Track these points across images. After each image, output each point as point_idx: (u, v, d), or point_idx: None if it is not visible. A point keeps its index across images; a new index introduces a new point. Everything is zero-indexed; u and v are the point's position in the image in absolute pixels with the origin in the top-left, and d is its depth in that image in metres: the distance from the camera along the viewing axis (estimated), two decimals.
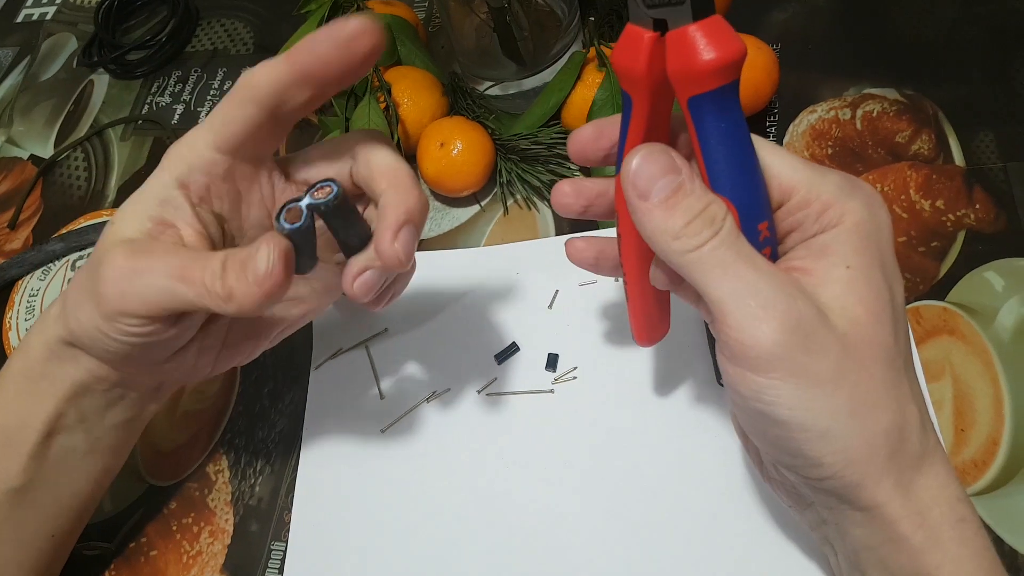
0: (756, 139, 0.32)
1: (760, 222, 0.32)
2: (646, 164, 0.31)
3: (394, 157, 0.37)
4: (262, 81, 0.34)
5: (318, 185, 0.34)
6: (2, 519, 0.42)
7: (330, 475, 0.51)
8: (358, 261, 0.36)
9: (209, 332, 0.41)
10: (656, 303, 0.42)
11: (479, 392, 0.51)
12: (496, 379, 0.51)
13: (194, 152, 0.36)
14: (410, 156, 0.61)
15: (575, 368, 0.51)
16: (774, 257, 0.33)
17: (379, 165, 0.36)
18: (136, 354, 0.37)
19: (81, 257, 0.66)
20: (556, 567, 0.45)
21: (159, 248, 0.35)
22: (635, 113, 0.33)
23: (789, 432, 0.31)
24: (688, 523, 0.44)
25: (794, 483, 0.35)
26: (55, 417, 0.41)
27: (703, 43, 0.29)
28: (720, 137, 0.31)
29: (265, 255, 0.32)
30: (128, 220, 0.36)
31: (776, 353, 0.29)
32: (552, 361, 0.51)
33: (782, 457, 0.33)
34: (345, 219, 0.35)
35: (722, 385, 0.48)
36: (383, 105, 0.58)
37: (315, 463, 0.51)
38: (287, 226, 0.33)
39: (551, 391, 0.50)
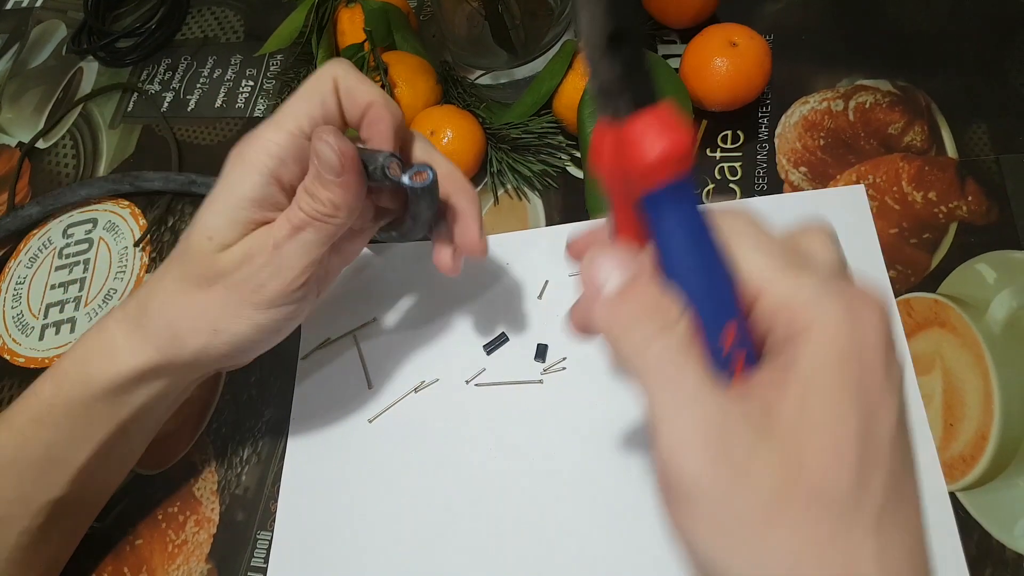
0: (729, 228, 0.29)
1: (723, 326, 0.28)
2: (599, 258, 0.29)
3: (431, 148, 0.44)
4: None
5: (416, 169, 0.40)
6: (37, 527, 0.44)
7: (317, 465, 0.50)
8: (448, 250, 0.44)
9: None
10: None
11: (468, 382, 0.51)
12: (485, 370, 0.51)
13: (278, 146, 0.39)
14: None
15: (564, 359, 0.50)
16: (750, 361, 0.29)
17: (439, 163, 0.43)
18: (277, 333, 0.43)
19: (67, 242, 0.65)
20: (545, 557, 0.45)
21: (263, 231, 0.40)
22: (613, 210, 0.31)
23: (707, 569, 0.26)
24: None
25: None
26: (113, 436, 0.44)
27: (643, 137, 0.27)
28: (674, 236, 0.28)
29: (325, 150, 0.38)
30: (224, 231, 0.40)
31: (699, 486, 0.25)
32: (541, 351, 0.51)
33: None
34: (432, 200, 0.41)
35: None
36: (379, 85, 0.58)
37: (302, 453, 0.51)
38: (415, 183, 0.40)
39: (540, 381, 0.50)
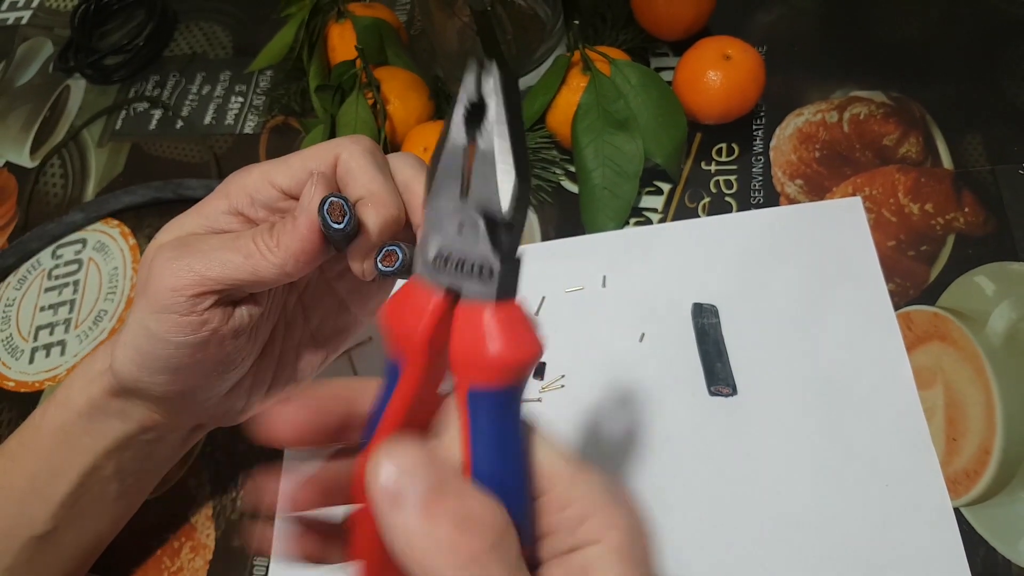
0: (525, 426, 0.27)
1: (524, 534, 0.26)
2: (397, 459, 0.24)
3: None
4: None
5: (386, 251, 0.35)
6: (23, 563, 0.43)
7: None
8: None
9: (260, 367, 0.42)
10: None
11: None
12: None
13: (256, 188, 0.37)
14: None
15: (563, 376, 0.50)
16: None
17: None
18: (192, 365, 0.37)
19: (56, 263, 0.65)
20: None
21: (208, 236, 0.37)
22: (401, 385, 0.27)
23: None
24: (679, 531, 0.44)
25: None
26: (91, 470, 0.42)
27: (496, 332, 0.24)
28: (494, 439, 0.26)
29: (306, 215, 0.34)
30: (172, 231, 0.38)
31: None
32: (539, 369, 0.50)
33: None
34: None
35: (713, 394, 0.47)
36: (371, 102, 0.57)
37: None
38: (384, 269, 0.36)
39: (539, 400, 0.49)
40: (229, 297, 0.37)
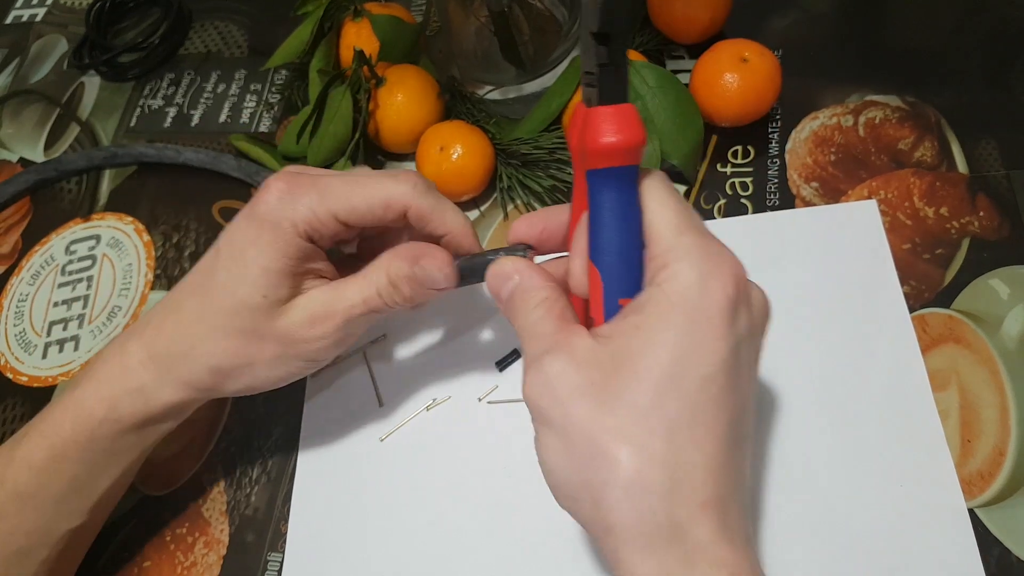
0: (649, 183, 0.33)
1: (624, 297, 0.33)
2: (500, 268, 0.38)
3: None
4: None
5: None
6: (57, 554, 0.44)
7: (327, 485, 0.50)
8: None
9: None
10: None
11: (480, 399, 0.50)
12: (498, 386, 0.51)
13: (320, 222, 0.41)
14: (400, 156, 0.61)
15: None
16: None
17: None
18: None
19: (70, 259, 0.65)
20: None
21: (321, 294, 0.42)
22: (575, 187, 0.35)
23: (554, 483, 0.33)
24: None
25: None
26: (133, 464, 0.45)
27: (604, 124, 0.31)
28: (607, 214, 0.33)
29: (436, 275, 0.41)
30: (277, 289, 0.41)
31: (566, 410, 0.31)
32: None
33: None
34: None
35: None
36: (372, 102, 0.58)
37: (312, 472, 0.50)
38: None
39: None
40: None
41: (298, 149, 0.60)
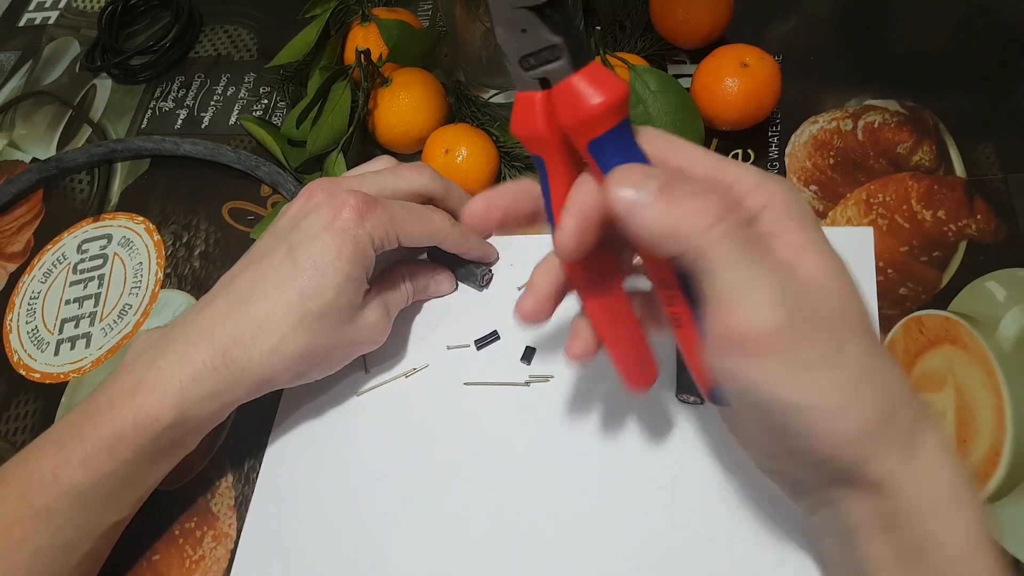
0: (670, 140, 0.34)
1: None
2: (629, 173, 0.30)
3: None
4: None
5: (486, 272, 0.55)
6: (100, 546, 0.47)
7: (301, 448, 0.52)
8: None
9: None
10: (637, 343, 0.40)
11: (457, 378, 0.52)
12: (474, 365, 0.53)
13: (384, 230, 0.48)
14: (402, 157, 0.62)
15: (552, 377, 0.51)
16: None
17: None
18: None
19: (82, 258, 0.66)
20: (530, 556, 0.45)
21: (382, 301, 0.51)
22: (551, 173, 0.33)
23: (797, 416, 0.30)
24: (691, 532, 0.45)
25: (794, 472, 0.35)
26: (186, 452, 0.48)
27: (587, 90, 0.30)
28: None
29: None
30: (358, 295, 0.48)
31: (784, 336, 0.29)
32: (528, 354, 0.52)
33: (786, 445, 0.32)
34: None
35: (681, 400, 0.48)
36: (373, 101, 0.59)
37: (289, 427, 0.53)
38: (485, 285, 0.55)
39: (526, 384, 0.51)
40: None
41: (299, 134, 0.62)
